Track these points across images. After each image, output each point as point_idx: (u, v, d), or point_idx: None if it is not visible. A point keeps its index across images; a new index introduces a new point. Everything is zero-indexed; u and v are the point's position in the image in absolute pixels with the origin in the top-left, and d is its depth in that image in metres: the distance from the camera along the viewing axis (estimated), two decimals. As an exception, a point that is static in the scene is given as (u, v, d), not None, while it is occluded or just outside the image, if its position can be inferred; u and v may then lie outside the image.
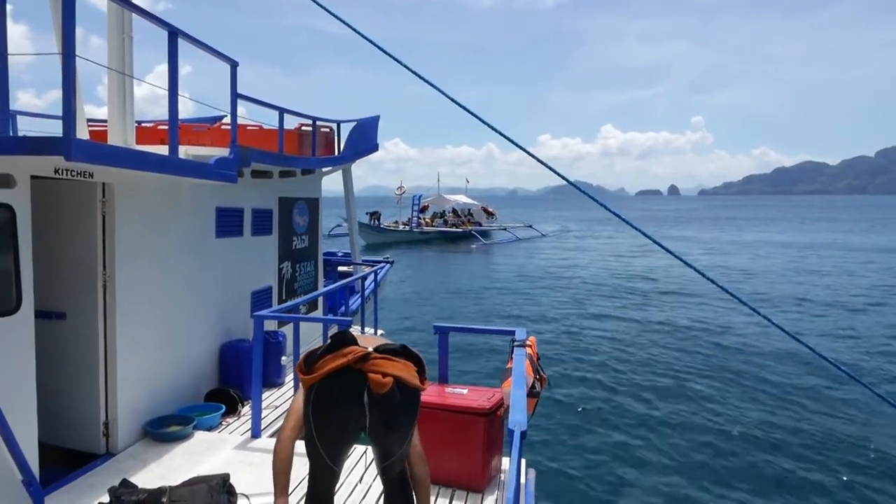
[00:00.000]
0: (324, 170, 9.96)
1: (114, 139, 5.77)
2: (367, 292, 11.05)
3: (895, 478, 8.20)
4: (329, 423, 3.04)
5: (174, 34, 5.36)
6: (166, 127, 5.95)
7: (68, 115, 3.99)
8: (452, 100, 5.04)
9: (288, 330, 7.62)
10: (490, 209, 57.07)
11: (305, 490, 3.32)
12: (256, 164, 7.24)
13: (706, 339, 15.67)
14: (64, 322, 5.31)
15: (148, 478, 4.80)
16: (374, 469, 4.14)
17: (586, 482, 7.75)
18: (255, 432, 5.82)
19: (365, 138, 11.08)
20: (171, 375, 6.17)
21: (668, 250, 4.92)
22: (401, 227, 49.35)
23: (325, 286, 10.02)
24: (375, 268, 11.10)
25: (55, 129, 7.61)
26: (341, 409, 3.00)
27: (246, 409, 6.53)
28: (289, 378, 7.51)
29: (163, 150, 5.63)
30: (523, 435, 3.07)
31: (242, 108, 6.89)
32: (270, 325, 7.41)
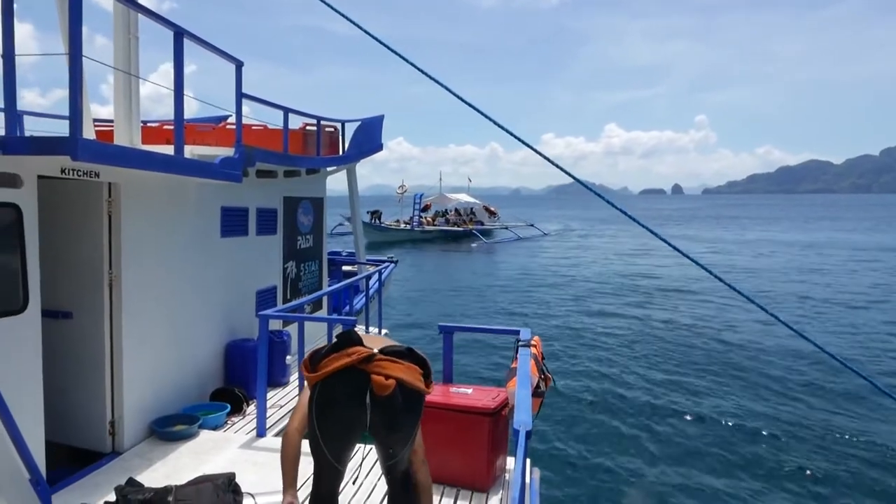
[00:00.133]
0: (328, 169, 9.97)
1: (120, 139, 5.79)
2: (371, 292, 11.05)
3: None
4: (332, 422, 3.04)
5: (180, 34, 5.38)
6: (171, 127, 5.96)
7: (75, 115, 4.01)
8: (458, 97, 5.05)
9: (293, 329, 7.64)
10: (492, 208, 57.04)
11: (310, 489, 3.32)
12: (261, 163, 7.26)
13: (711, 337, 15.67)
14: (70, 321, 5.33)
15: (154, 476, 4.82)
16: (378, 469, 4.15)
17: (591, 481, 7.76)
18: (261, 431, 5.83)
19: (369, 138, 11.09)
20: (176, 374, 6.18)
21: (674, 247, 4.93)
22: (402, 225, 49.33)
23: (329, 285, 10.03)
24: (380, 267, 11.11)
25: (61, 128, 7.63)
26: (344, 408, 3.00)
27: (251, 409, 6.54)
28: (293, 377, 7.53)
29: (168, 149, 5.65)
30: (528, 435, 3.08)
31: (247, 107, 6.91)
32: (275, 325, 7.43)
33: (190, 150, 6.27)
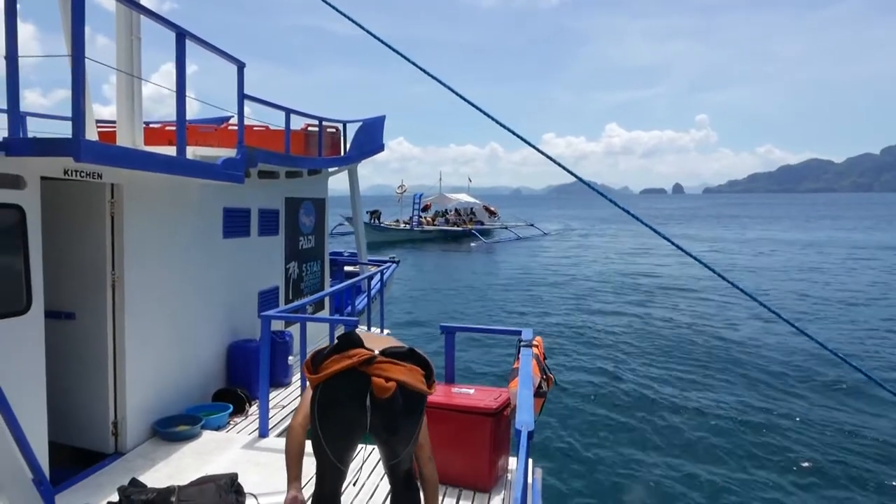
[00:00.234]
0: (330, 170, 9.98)
1: (122, 140, 5.80)
2: (373, 292, 11.07)
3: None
4: (334, 423, 3.06)
5: (182, 35, 5.39)
6: (174, 128, 5.98)
7: (78, 116, 4.02)
8: (460, 95, 5.06)
9: (295, 330, 7.65)
10: (492, 208, 57.03)
11: (312, 490, 3.33)
12: (263, 164, 7.27)
13: (712, 335, 15.68)
14: (73, 322, 5.34)
15: (157, 477, 4.83)
16: (380, 469, 4.16)
17: (594, 481, 7.76)
18: (263, 432, 5.84)
19: (371, 138, 11.10)
20: (179, 375, 6.20)
21: (676, 245, 4.93)
22: (402, 225, 49.27)
23: (331, 286, 10.05)
24: (382, 268, 11.13)
25: (63, 129, 7.65)
26: (345, 410, 3.02)
27: (253, 409, 6.55)
28: (296, 378, 7.54)
29: (170, 150, 5.66)
30: (530, 435, 3.08)
31: (249, 108, 6.92)
32: (277, 325, 7.44)
33: (192, 151, 6.29)
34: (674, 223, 75.29)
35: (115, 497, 4.21)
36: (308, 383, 3.15)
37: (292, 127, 8.23)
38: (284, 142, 8.01)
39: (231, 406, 6.38)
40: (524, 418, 3.23)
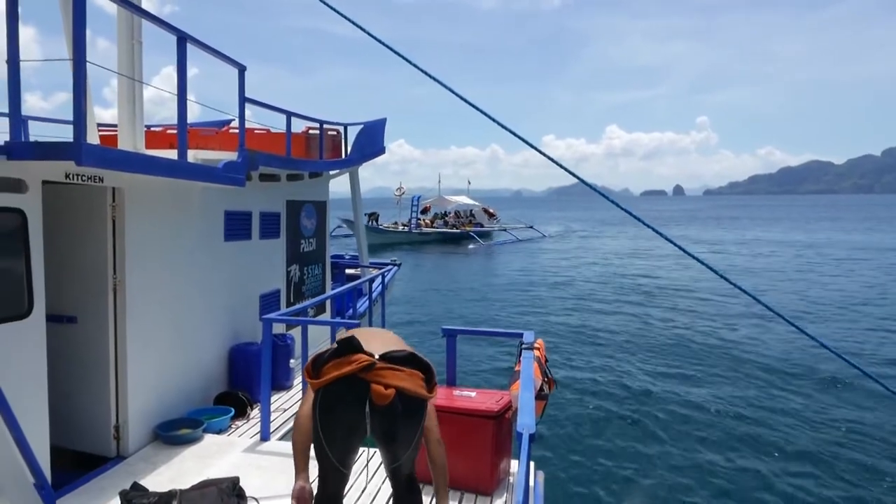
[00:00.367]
0: (331, 173, 9.99)
1: (123, 144, 5.80)
2: (374, 295, 11.06)
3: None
4: (334, 427, 3.07)
5: (183, 39, 5.40)
6: (175, 131, 5.98)
7: (79, 120, 4.02)
8: (460, 97, 5.06)
9: (296, 333, 7.64)
10: (491, 210, 57.02)
11: (315, 492, 3.33)
12: (264, 167, 7.28)
13: (713, 336, 15.69)
14: (75, 326, 5.34)
15: (158, 481, 4.83)
16: (382, 472, 4.16)
17: (595, 484, 7.75)
18: (265, 435, 5.84)
19: (372, 141, 11.11)
20: (180, 379, 6.19)
21: (678, 246, 4.93)
22: (400, 228, 49.18)
23: (332, 289, 10.05)
24: (383, 270, 11.13)
25: (65, 133, 7.65)
26: (345, 414, 3.03)
27: (255, 412, 6.56)
28: (297, 381, 7.53)
29: (172, 154, 5.67)
30: (532, 438, 3.08)
31: (249, 111, 6.92)
32: (279, 328, 7.44)
33: (193, 155, 6.29)
34: (674, 224, 75.31)
35: (117, 501, 4.21)
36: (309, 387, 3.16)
37: (293, 130, 8.24)
38: (286, 145, 8.02)
39: (233, 409, 6.37)
40: (526, 421, 3.23)
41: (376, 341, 3.24)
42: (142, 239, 5.50)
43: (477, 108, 5.06)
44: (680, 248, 4.97)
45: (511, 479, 4.97)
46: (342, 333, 3.48)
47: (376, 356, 3.06)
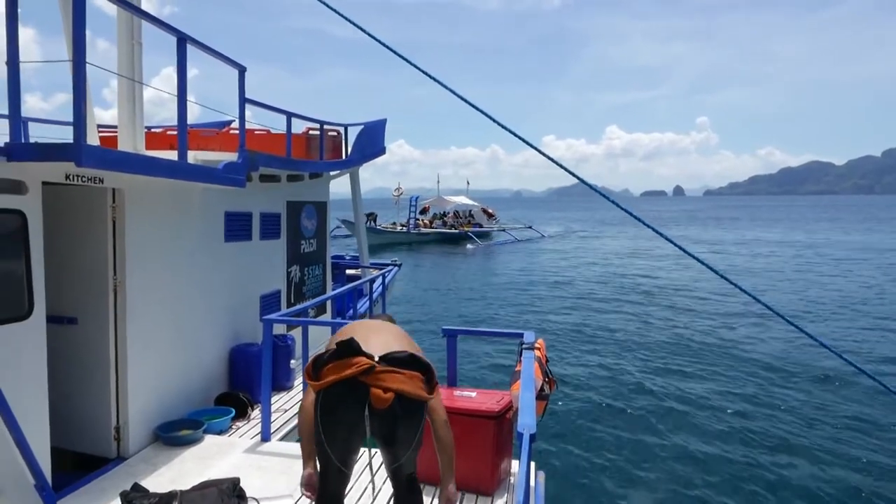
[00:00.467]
0: (331, 173, 9.99)
1: (124, 145, 5.81)
2: (375, 295, 11.06)
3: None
4: (335, 427, 3.09)
5: (183, 40, 5.40)
6: (175, 132, 5.98)
7: (79, 121, 4.02)
8: (461, 97, 5.06)
9: (297, 333, 7.64)
10: (490, 210, 57.02)
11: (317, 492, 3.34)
12: (265, 168, 7.28)
13: (713, 336, 15.71)
14: (75, 327, 5.34)
15: (159, 481, 4.82)
16: (383, 472, 4.16)
17: (596, 484, 7.74)
18: (265, 436, 5.83)
19: (372, 141, 11.11)
20: (181, 380, 6.19)
21: (679, 246, 4.94)
22: (398, 228, 49.07)
23: (333, 289, 10.05)
24: (383, 271, 11.12)
25: (65, 134, 7.66)
26: (345, 416, 3.05)
27: (255, 413, 6.55)
28: (298, 381, 7.53)
29: (172, 155, 5.67)
30: (532, 438, 3.08)
31: (250, 111, 6.92)
32: (279, 329, 7.43)
33: (193, 156, 6.29)
34: (673, 225, 75.34)
35: (118, 502, 4.21)
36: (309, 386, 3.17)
37: (294, 130, 8.23)
38: (286, 145, 8.02)
39: (233, 410, 6.37)
40: (526, 421, 3.22)
41: (377, 339, 3.24)
42: (142, 240, 5.50)
43: (478, 109, 5.06)
44: (680, 247, 4.97)
45: (512, 479, 4.96)
46: (343, 331, 3.48)
47: (376, 357, 3.06)
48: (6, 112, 4.15)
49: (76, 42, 4.04)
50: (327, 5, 5.36)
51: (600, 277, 27.72)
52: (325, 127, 9.47)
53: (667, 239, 5.04)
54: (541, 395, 4.74)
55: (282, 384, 7.30)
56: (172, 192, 5.87)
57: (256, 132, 8.80)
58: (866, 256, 35.99)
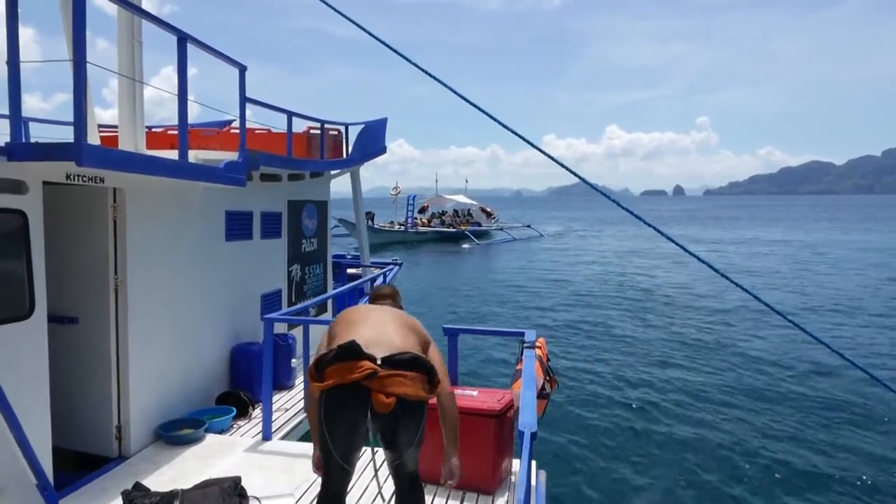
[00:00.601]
0: (332, 172, 9.99)
1: (124, 144, 5.81)
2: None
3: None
4: (338, 427, 3.12)
5: (183, 39, 5.40)
6: (176, 132, 5.98)
7: (79, 120, 4.02)
8: (461, 96, 5.06)
9: (298, 332, 7.65)
10: (488, 209, 56.98)
11: (318, 490, 3.38)
12: (265, 167, 7.28)
13: (714, 335, 15.68)
14: (76, 326, 5.34)
15: (160, 481, 4.83)
16: (384, 471, 4.16)
17: (598, 483, 7.73)
18: (266, 435, 5.84)
19: (373, 141, 11.11)
20: (182, 379, 6.20)
21: (679, 245, 4.94)
22: (396, 227, 48.92)
23: (334, 289, 10.05)
24: (384, 270, 11.12)
25: (65, 134, 7.65)
26: (347, 417, 3.10)
27: (257, 412, 6.56)
28: (299, 380, 7.53)
29: (172, 154, 5.67)
30: (534, 436, 3.08)
31: (250, 111, 6.93)
32: (280, 328, 7.43)
33: (194, 155, 6.29)
34: (674, 224, 75.28)
35: (119, 501, 4.21)
36: (322, 337, 3.42)
37: (294, 130, 8.23)
38: (287, 145, 8.02)
39: (234, 409, 6.38)
40: (527, 420, 3.23)
41: (379, 334, 3.27)
42: (143, 239, 5.50)
43: (479, 108, 5.06)
44: (680, 246, 4.97)
45: (513, 478, 4.96)
46: (345, 317, 3.50)
47: (378, 359, 3.08)
48: (7, 112, 4.15)
49: (76, 41, 4.04)
50: (328, 4, 5.36)
51: (600, 276, 27.70)
52: (326, 126, 9.47)
53: (667, 238, 5.05)
54: (542, 394, 4.75)
55: (283, 383, 7.30)
56: (173, 192, 5.88)
57: (257, 131, 8.80)
58: (864, 255, 36.05)
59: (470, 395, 4.90)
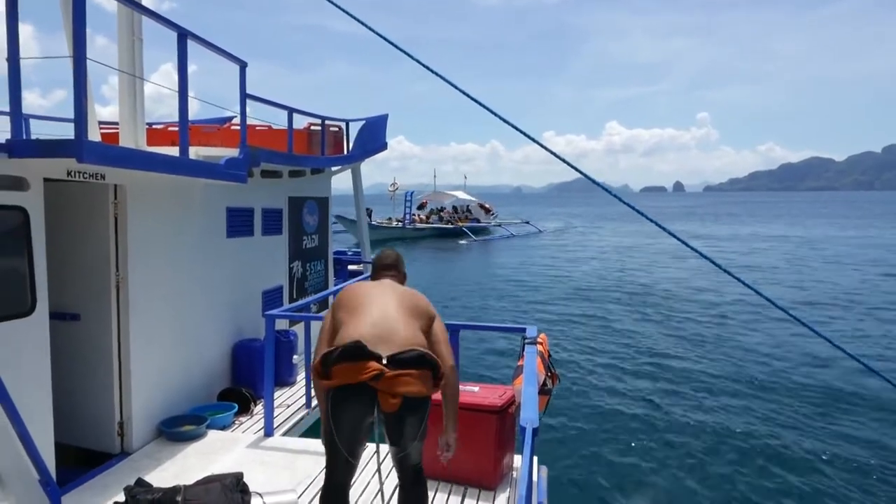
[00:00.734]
0: (333, 169, 9.98)
1: (125, 141, 5.81)
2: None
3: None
4: (345, 421, 3.18)
5: (183, 36, 5.39)
6: (176, 128, 5.98)
7: (80, 117, 4.02)
8: (463, 91, 5.05)
9: (299, 329, 7.66)
10: (487, 205, 56.95)
11: (322, 483, 3.42)
12: (266, 164, 7.27)
13: (715, 329, 15.72)
14: (78, 323, 5.34)
15: (162, 477, 4.85)
16: (385, 469, 4.17)
17: (599, 479, 7.74)
18: (268, 431, 5.85)
19: (374, 137, 11.10)
20: (184, 375, 6.20)
21: (680, 240, 4.94)
22: (394, 223, 48.80)
23: (335, 285, 10.05)
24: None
25: (65, 131, 7.65)
26: (353, 410, 3.15)
27: (258, 408, 6.57)
28: (300, 377, 7.54)
29: (173, 151, 5.67)
30: (535, 432, 3.08)
31: (251, 107, 6.92)
32: (282, 324, 7.44)
33: (195, 152, 6.29)
34: (673, 220, 75.24)
35: (122, 497, 4.21)
36: (330, 314, 3.52)
37: (295, 126, 8.22)
38: (287, 141, 8.01)
39: (236, 405, 6.39)
40: (529, 415, 3.23)
41: (385, 328, 3.26)
42: (144, 236, 5.50)
43: (480, 104, 5.06)
44: (681, 241, 4.97)
45: (514, 473, 4.97)
46: (348, 298, 3.49)
47: (384, 358, 3.10)
48: (7, 109, 4.15)
49: (77, 38, 4.03)
50: (332, 2, 5.35)
51: (600, 272, 27.67)
52: (327, 122, 9.46)
53: (669, 233, 5.04)
54: (543, 390, 4.75)
55: (284, 379, 7.32)
56: (174, 189, 5.88)
57: (258, 128, 8.80)
58: (862, 252, 36.07)
59: (471, 391, 4.90)
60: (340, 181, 11.65)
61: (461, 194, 58.18)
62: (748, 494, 7.42)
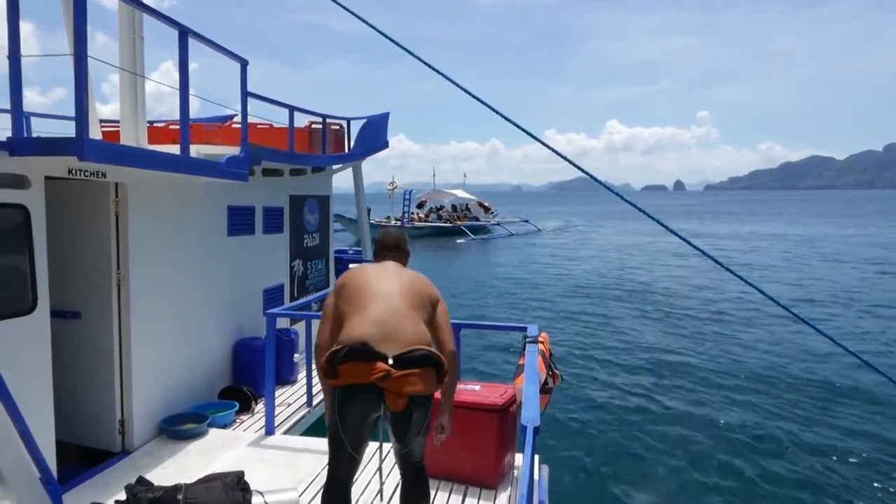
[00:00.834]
0: (334, 167, 9.98)
1: (126, 139, 5.80)
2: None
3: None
4: (351, 419, 3.20)
5: (185, 34, 5.38)
6: (177, 126, 5.97)
7: (81, 115, 4.01)
8: (464, 89, 5.05)
9: (300, 327, 7.66)
10: (486, 204, 56.95)
11: (325, 479, 3.43)
12: (267, 162, 7.26)
13: (716, 326, 15.74)
14: (79, 321, 5.34)
15: (164, 475, 4.85)
16: (387, 469, 4.17)
17: (600, 477, 7.74)
18: (269, 429, 5.85)
19: (375, 135, 11.10)
20: (185, 373, 6.20)
21: (683, 238, 4.93)
22: (392, 222, 48.74)
23: (335, 284, 10.05)
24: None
25: (66, 129, 7.64)
26: (359, 407, 3.19)
27: (259, 407, 6.57)
28: (301, 375, 7.53)
29: (174, 149, 5.66)
30: (536, 431, 3.08)
31: (252, 105, 6.91)
32: (283, 323, 7.44)
33: (196, 150, 6.28)
34: (673, 219, 75.25)
35: (123, 495, 4.21)
36: (332, 299, 3.56)
37: (296, 124, 8.22)
38: (288, 139, 8.00)
39: (237, 404, 6.38)
40: (530, 414, 3.23)
41: (391, 326, 3.24)
42: (145, 234, 5.50)
43: (481, 101, 5.05)
44: (683, 238, 4.96)
45: (515, 472, 4.97)
46: (351, 285, 3.48)
47: (390, 358, 3.11)
48: (8, 107, 4.14)
49: (77, 35, 4.03)
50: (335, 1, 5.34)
51: (600, 271, 27.68)
52: (328, 121, 9.45)
53: (670, 231, 5.04)
54: (544, 389, 4.75)
55: (285, 378, 7.32)
56: (175, 187, 5.87)
57: (259, 126, 8.79)
58: (860, 250, 36.13)
59: (472, 390, 4.90)
60: (340, 180, 11.67)
61: (460, 193, 58.16)
62: (749, 490, 7.43)
